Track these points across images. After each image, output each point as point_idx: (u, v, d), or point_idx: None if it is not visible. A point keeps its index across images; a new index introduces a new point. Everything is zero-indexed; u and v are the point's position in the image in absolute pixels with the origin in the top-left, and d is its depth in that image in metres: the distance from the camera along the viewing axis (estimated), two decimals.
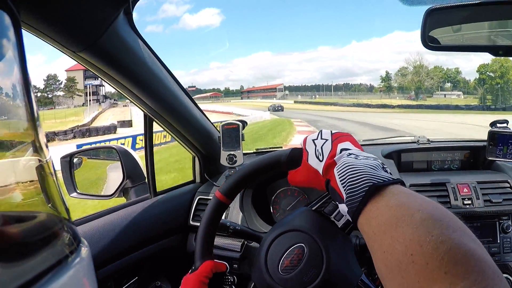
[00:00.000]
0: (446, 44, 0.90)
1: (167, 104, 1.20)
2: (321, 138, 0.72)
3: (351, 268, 0.75)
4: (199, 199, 1.42)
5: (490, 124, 1.39)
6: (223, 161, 1.34)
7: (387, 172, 0.59)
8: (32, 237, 0.36)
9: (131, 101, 1.17)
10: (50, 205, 0.40)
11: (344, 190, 0.60)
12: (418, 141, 1.49)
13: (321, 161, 0.69)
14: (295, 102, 77.78)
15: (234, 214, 1.32)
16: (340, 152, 0.67)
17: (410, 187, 1.23)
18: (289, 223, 0.79)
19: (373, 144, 1.62)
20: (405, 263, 0.43)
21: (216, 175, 1.54)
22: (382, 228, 0.49)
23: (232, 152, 1.33)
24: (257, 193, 1.38)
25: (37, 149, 0.39)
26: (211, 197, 1.37)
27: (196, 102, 1.33)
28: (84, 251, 0.41)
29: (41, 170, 0.39)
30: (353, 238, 0.83)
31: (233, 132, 1.34)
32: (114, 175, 1.41)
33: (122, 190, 1.40)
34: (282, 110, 46.54)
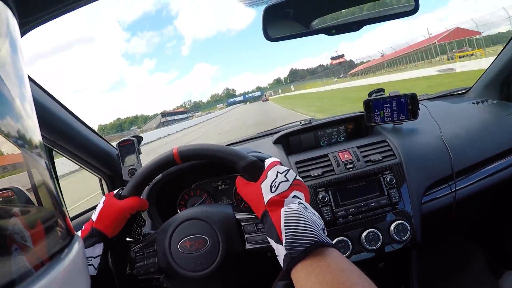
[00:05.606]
0: (286, 34, 1.02)
1: (62, 132, 1.24)
2: (285, 176, 0.76)
3: None
4: None
5: (368, 94, 1.55)
6: (125, 176, 1.38)
7: (325, 234, 0.66)
8: (27, 231, 0.36)
9: None
10: (45, 199, 0.41)
11: (286, 233, 0.65)
12: (300, 123, 1.62)
13: (272, 192, 0.73)
14: None
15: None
16: (292, 197, 0.72)
17: (296, 164, 1.33)
18: (209, 214, 0.85)
19: (267, 135, 1.72)
20: None
21: None
22: (322, 287, 0.55)
23: (132, 167, 1.38)
24: (161, 196, 1.40)
25: (34, 149, 0.40)
26: None
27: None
28: (77, 244, 0.42)
29: (38, 167, 0.40)
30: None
31: (130, 148, 1.39)
32: None
33: None
34: None
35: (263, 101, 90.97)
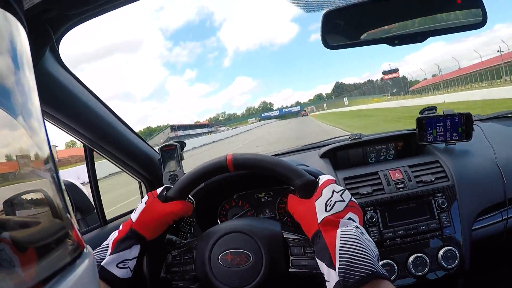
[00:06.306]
0: (346, 42, 0.98)
1: (104, 134, 1.23)
2: (340, 196, 0.72)
3: None
4: None
5: (419, 112, 1.48)
6: (166, 181, 1.36)
7: (379, 263, 0.63)
8: (36, 243, 0.35)
9: (68, 134, 1.18)
10: (55, 211, 0.39)
11: (340, 258, 0.62)
12: (349, 137, 1.56)
13: (326, 211, 0.69)
14: None
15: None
16: (348, 219, 0.69)
17: (345, 180, 1.28)
18: (256, 229, 0.81)
19: (314, 148, 1.66)
20: None
21: None
22: None
23: (173, 172, 1.35)
24: (201, 204, 1.35)
25: (46, 159, 0.39)
26: None
27: None
28: (88, 257, 0.42)
29: (50, 178, 0.39)
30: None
31: (172, 153, 1.38)
32: None
33: None
34: None
35: (302, 115, 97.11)
